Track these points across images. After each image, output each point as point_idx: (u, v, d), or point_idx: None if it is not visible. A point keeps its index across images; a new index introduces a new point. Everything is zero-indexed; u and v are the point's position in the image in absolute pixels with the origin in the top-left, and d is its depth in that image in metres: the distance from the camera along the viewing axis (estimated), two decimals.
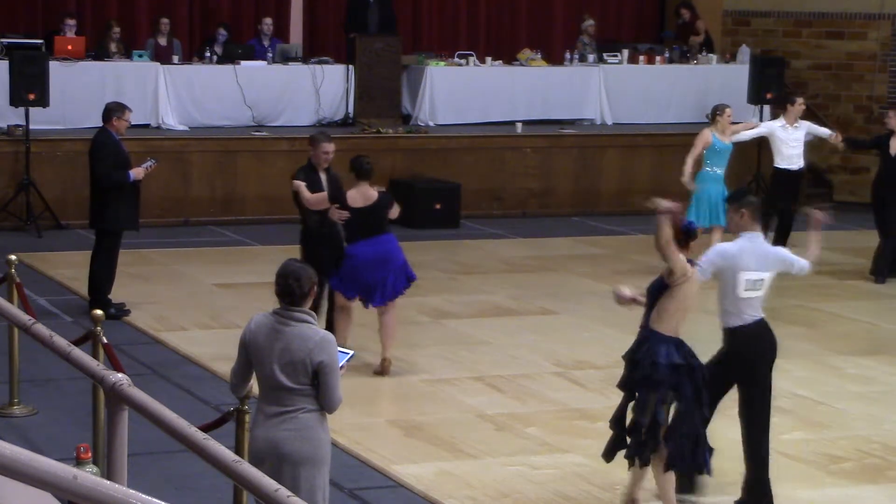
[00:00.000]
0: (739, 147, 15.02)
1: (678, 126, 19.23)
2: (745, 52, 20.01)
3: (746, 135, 15.04)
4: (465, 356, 11.55)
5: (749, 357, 8.13)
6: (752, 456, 8.17)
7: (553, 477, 8.74)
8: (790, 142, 14.95)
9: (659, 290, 7.78)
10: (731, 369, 8.12)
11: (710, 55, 20.28)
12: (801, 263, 8.38)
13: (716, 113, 14.44)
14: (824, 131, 15.55)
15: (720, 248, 8.21)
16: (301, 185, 10.93)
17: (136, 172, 12.03)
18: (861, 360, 11.72)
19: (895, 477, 8.93)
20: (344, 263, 10.84)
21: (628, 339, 8.15)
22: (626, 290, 8.14)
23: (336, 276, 10.80)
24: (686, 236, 7.81)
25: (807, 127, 15.16)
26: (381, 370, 10.86)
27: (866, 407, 10.41)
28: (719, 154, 14.26)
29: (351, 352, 6.80)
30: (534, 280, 14.58)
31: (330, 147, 11.12)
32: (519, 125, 18.66)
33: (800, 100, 15.15)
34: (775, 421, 9.84)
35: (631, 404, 7.91)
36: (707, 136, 14.28)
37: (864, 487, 8.74)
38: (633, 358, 7.87)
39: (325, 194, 10.91)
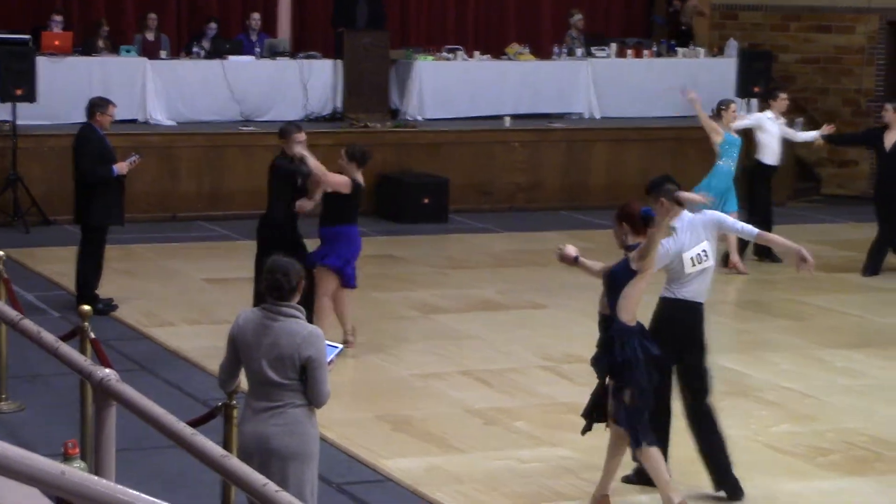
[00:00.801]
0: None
1: (666, 120, 19.26)
2: (732, 45, 20.03)
3: (736, 126, 15.06)
4: (453, 351, 11.55)
5: (673, 329, 8.14)
6: (711, 444, 8.23)
7: (541, 470, 8.75)
8: (776, 135, 14.99)
9: (625, 277, 7.77)
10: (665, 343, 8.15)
11: (698, 48, 20.29)
12: (741, 227, 8.45)
13: (720, 108, 14.47)
14: (808, 136, 15.50)
15: (663, 251, 8.06)
16: (314, 161, 10.82)
17: (120, 167, 12.02)
18: (849, 353, 11.74)
19: (883, 469, 8.95)
20: (349, 250, 10.89)
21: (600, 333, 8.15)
22: (572, 250, 8.17)
23: (342, 263, 10.83)
24: (644, 222, 7.84)
25: (787, 132, 15.18)
26: (352, 340, 11.05)
27: (854, 400, 10.43)
28: (730, 147, 14.32)
29: (340, 346, 6.80)
30: (522, 274, 14.59)
31: (302, 136, 11.15)
32: (507, 119, 18.68)
33: (782, 95, 15.19)
34: (763, 414, 9.91)
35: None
36: (721, 129, 14.34)
37: (851, 480, 8.76)
38: (610, 355, 7.86)
39: (347, 178, 10.87)
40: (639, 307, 7.85)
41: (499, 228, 17.06)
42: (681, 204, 7.87)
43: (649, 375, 7.79)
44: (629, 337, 7.77)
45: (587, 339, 11.57)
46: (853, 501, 8.48)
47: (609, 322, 7.93)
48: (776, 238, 8.83)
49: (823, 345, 11.99)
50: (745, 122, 15.12)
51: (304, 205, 11.03)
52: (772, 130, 14.97)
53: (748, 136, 15.44)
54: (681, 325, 8.17)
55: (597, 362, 8.03)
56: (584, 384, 10.41)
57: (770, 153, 15.01)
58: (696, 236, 8.13)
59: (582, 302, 12.98)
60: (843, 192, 19.08)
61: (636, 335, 7.80)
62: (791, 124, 15.65)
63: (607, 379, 7.97)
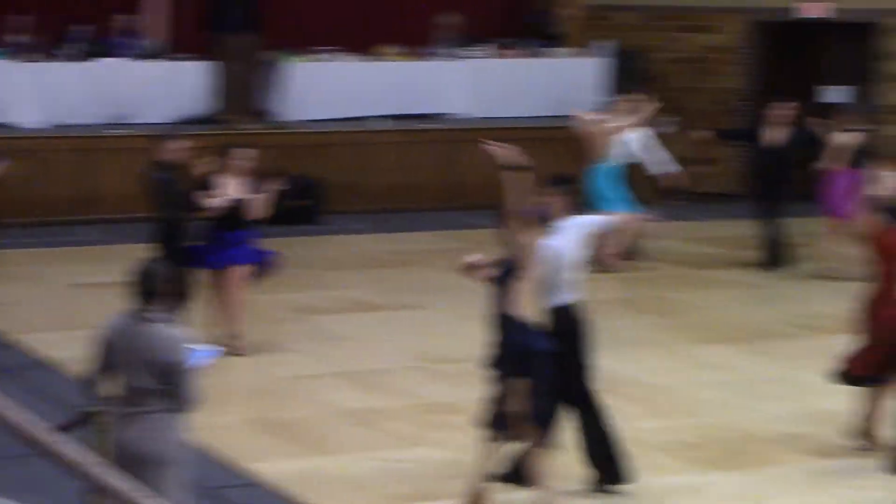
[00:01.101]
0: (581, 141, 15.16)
1: (540, 119, 19.42)
2: (604, 46, 20.25)
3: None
4: (328, 352, 11.57)
5: (576, 334, 8.26)
6: (602, 433, 8.36)
7: (416, 471, 8.79)
8: (621, 138, 15.12)
9: (512, 274, 7.82)
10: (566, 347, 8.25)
11: (570, 49, 20.50)
12: (615, 221, 8.62)
13: (609, 108, 14.64)
14: (658, 169, 15.72)
15: (550, 249, 8.17)
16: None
17: None
18: (716, 349, 11.94)
19: (747, 462, 9.11)
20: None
21: (484, 332, 8.20)
22: (475, 258, 8.20)
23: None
24: (533, 220, 7.91)
25: (643, 143, 15.36)
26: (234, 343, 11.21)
27: (720, 394, 10.61)
28: (617, 146, 14.60)
29: (217, 348, 6.79)
30: (397, 275, 14.64)
31: (178, 144, 11.24)
32: (382, 120, 18.71)
33: (626, 97, 15.47)
34: (630, 410, 10.04)
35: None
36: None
37: (719, 473, 8.91)
38: (506, 346, 7.88)
39: (268, 197, 11.30)
40: (530, 303, 7.87)
41: (374, 229, 17.07)
42: (508, 168, 7.98)
43: (548, 371, 7.83)
44: (526, 331, 7.79)
45: (461, 339, 11.70)
46: (722, 495, 8.62)
47: (502, 321, 7.92)
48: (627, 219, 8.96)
49: (691, 340, 12.18)
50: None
51: (216, 203, 11.10)
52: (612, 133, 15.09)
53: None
54: (572, 327, 8.26)
55: (496, 361, 7.97)
56: (457, 384, 10.51)
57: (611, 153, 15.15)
58: (576, 238, 8.24)
59: (457, 302, 13.07)
60: (711, 190, 19.37)
61: (532, 330, 7.83)
62: (662, 124, 15.84)
63: (505, 377, 7.93)
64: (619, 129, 14.93)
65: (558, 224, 8.19)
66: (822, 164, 14.63)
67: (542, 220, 7.94)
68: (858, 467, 8.89)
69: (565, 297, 8.22)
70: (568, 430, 8.36)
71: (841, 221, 13.67)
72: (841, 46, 19.72)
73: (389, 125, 18.73)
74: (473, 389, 9.30)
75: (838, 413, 9.37)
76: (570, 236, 8.23)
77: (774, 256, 15.09)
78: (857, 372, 9.11)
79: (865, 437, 9.15)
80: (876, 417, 9.11)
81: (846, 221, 12.31)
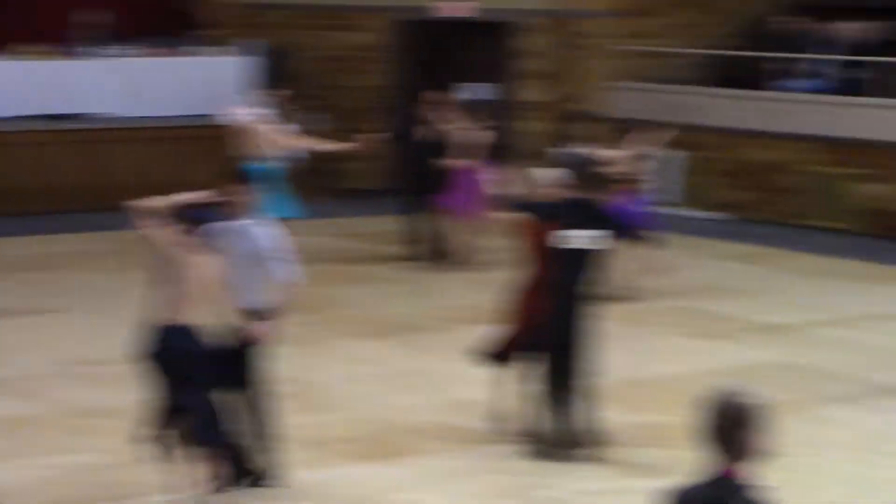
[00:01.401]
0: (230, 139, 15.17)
1: (188, 118, 19.28)
2: (253, 44, 20.27)
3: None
4: None
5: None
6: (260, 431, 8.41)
7: (58, 477, 8.58)
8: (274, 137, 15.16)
9: (171, 276, 7.74)
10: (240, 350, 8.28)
11: (218, 47, 20.43)
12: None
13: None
14: (293, 157, 15.94)
15: (231, 249, 8.16)
16: None
17: None
18: (368, 343, 12.12)
19: (397, 453, 9.25)
20: None
21: (137, 335, 8.07)
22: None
23: None
24: (193, 221, 7.86)
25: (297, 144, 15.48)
26: None
27: (371, 387, 10.76)
28: None
29: None
30: (42, 278, 14.31)
31: None
32: (26, 120, 18.25)
33: (273, 94, 15.65)
34: (284, 406, 10.09)
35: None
36: None
37: (368, 466, 9.01)
38: (163, 349, 7.76)
39: None
40: (192, 305, 7.77)
41: (19, 232, 16.62)
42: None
43: (205, 374, 7.76)
44: (184, 333, 7.69)
45: (108, 342, 11.47)
46: (375, 487, 8.69)
47: (160, 324, 7.77)
48: None
49: (344, 335, 12.33)
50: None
51: None
52: (260, 130, 15.12)
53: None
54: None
55: (153, 365, 7.81)
56: (105, 388, 10.34)
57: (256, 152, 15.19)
58: (259, 236, 8.21)
59: (102, 305, 12.92)
60: (362, 186, 19.65)
61: (191, 332, 7.73)
62: (311, 121, 15.99)
63: (161, 381, 7.79)
64: (276, 132, 14.96)
65: (239, 223, 8.16)
66: (452, 160, 15.04)
67: (213, 221, 7.89)
68: (502, 454, 9.17)
69: (249, 298, 8.21)
70: (228, 430, 8.32)
71: (477, 216, 14.00)
72: (482, 44, 20.35)
73: (34, 125, 18.26)
74: (124, 393, 9.21)
75: (484, 402, 9.65)
76: (251, 235, 8.19)
77: (426, 251, 15.45)
78: (500, 355, 9.40)
79: (507, 423, 9.45)
80: (516, 403, 9.40)
81: (483, 216, 12.64)
